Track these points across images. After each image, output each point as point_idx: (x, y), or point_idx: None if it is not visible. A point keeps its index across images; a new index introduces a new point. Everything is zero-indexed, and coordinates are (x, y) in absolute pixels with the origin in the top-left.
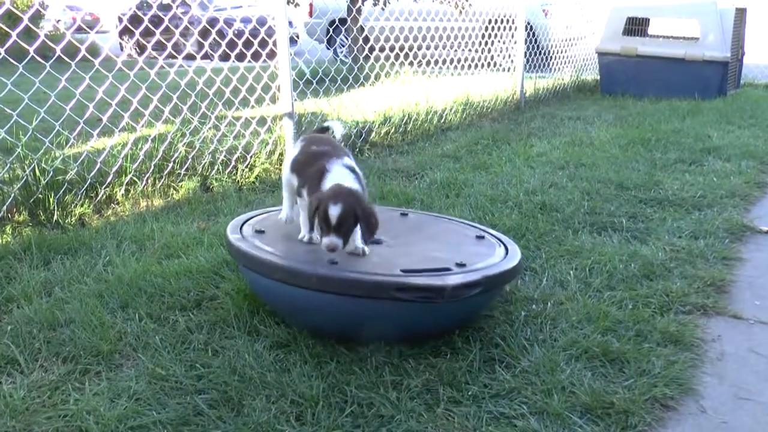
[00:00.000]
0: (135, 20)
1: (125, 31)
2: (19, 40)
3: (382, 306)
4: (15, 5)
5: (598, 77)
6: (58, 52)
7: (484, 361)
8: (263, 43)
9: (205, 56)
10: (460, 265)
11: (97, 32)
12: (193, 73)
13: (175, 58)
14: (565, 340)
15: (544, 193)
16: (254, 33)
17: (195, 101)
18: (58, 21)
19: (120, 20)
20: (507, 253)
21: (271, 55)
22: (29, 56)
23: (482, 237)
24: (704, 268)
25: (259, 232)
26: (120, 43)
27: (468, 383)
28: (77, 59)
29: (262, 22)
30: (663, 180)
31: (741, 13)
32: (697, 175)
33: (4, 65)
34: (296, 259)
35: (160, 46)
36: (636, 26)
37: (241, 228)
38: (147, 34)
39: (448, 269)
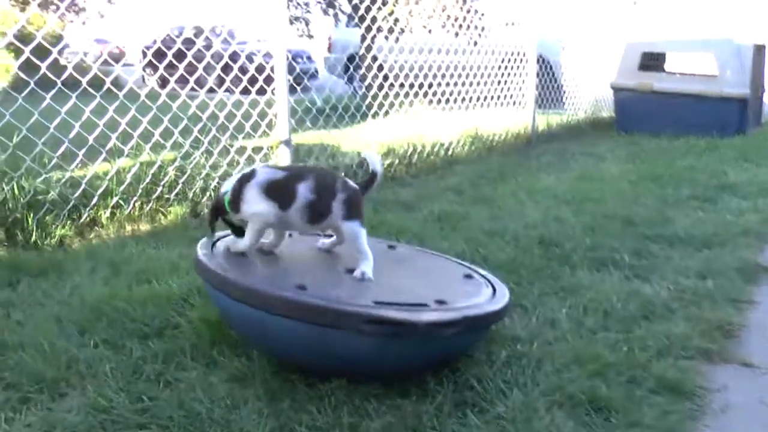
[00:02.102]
0: (159, 54)
1: (149, 64)
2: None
3: (348, 338)
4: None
5: (614, 114)
6: (60, 74)
7: (456, 405)
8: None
9: (217, 89)
10: (440, 302)
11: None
12: (190, 103)
13: (194, 90)
14: (548, 384)
15: (545, 227)
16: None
17: (188, 126)
18: (86, 54)
19: (144, 54)
20: (494, 294)
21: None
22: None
23: (470, 276)
24: (711, 310)
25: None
26: (143, 76)
27: (434, 428)
28: (103, 90)
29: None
30: (673, 216)
31: (760, 50)
32: (710, 212)
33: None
34: (261, 280)
35: (181, 79)
36: (652, 62)
37: (213, 245)
38: (169, 66)
39: (425, 305)
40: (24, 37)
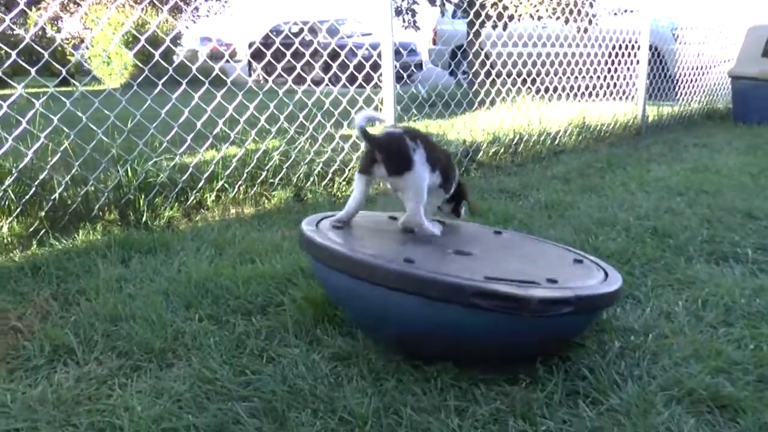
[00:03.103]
0: (264, 48)
1: (255, 57)
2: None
3: (457, 313)
4: (156, 31)
5: (731, 104)
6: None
7: (567, 395)
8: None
9: (331, 81)
10: (552, 281)
11: (235, 61)
12: (303, 96)
13: (300, 83)
14: (666, 379)
15: (658, 218)
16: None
17: (294, 114)
18: (196, 51)
19: (250, 46)
20: (606, 277)
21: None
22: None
23: (581, 261)
24: None
25: (337, 227)
26: (248, 68)
27: (544, 417)
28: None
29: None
30: None
31: None
32: None
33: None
34: (368, 252)
35: (286, 72)
36: None
37: (317, 223)
38: (276, 59)
39: (536, 283)
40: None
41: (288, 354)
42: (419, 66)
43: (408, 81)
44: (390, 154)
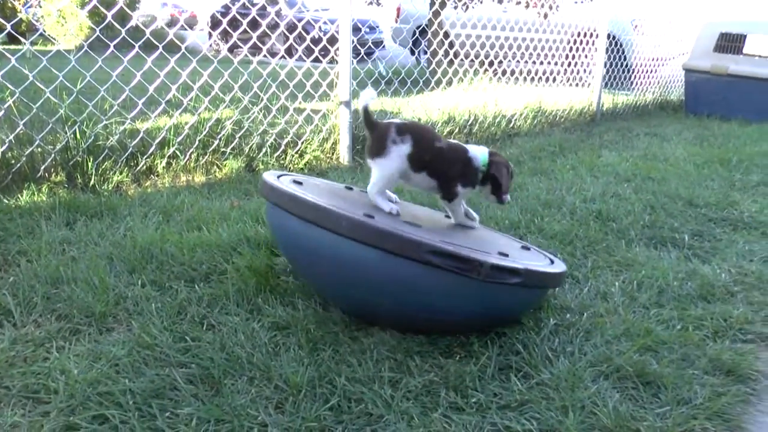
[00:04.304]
0: (224, 17)
1: (215, 27)
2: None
3: (412, 269)
4: None
5: (684, 96)
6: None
7: (500, 369)
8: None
9: (288, 53)
10: (503, 254)
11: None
12: (258, 67)
13: (256, 54)
14: (595, 355)
15: (603, 202)
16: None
17: (249, 84)
18: (154, 17)
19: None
20: (552, 263)
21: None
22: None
23: (528, 248)
24: None
25: (297, 182)
26: (209, 37)
27: (476, 390)
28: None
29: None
30: (739, 201)
31: None
32: None
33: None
34: (331, 204)
35: (243, 42)
36: (730, 43)
37: (278, 177)
38: (235, 30)
39: (488, 253)
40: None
41: (228, 322)
42: (379, 43)
43: (365, 57)
44: (371, 138)
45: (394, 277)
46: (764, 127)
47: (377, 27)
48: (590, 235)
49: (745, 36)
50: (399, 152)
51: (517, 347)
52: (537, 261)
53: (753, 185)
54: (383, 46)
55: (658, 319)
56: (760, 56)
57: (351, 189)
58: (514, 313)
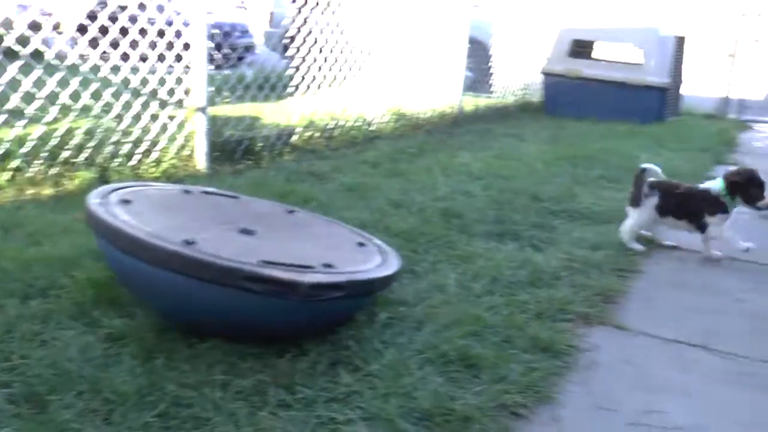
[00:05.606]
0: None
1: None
2: None
3: (230, 295)
4: None
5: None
6: None
7: (331, 364)
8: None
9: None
10: (327, 265)
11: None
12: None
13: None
14: (423, 344)
15: (452, 200)
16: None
17: (100, 91)
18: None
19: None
20: (383, 262)
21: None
22: None
23: (363, 244)
24: (597, 278)
25: (126, 201)
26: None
27: (304, 386)
28: None
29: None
30: (579, 194)
31: (681, 42)
32: (616, 191)
33: None
34: (149, 232)
35: (94, 43)
36: (582, 48)
37: (108, 193)
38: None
39: (311, 267)
40: None
41: (63, 337)
42: (250, 48)
43: (231, 63)
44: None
45: (215, 303)
46: (612, 126)
47: (248, 31)
48: (434, 231)
49: (593, 42)
50: (651, 204)
51: (348, 343)
52: (366, 263)
53: (593, 179)
54: (254, 51)
55: (488, 306)
56: (606, 61)
57: (189, 192)
58: (341, 319)
